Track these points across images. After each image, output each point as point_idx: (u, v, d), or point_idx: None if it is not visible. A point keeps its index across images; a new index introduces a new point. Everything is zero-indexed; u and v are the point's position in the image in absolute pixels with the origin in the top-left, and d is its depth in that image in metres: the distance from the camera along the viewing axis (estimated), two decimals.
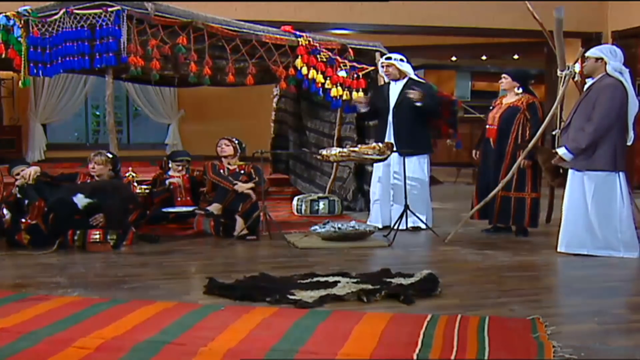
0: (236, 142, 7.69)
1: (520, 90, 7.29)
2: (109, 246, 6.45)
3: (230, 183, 7.37)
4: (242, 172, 7.58)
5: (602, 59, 6.15)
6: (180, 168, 7.78)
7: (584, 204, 6.20)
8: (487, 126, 7.41)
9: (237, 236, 7.00)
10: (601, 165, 6.13)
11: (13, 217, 6.70)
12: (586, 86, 6.36)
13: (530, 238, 7.24)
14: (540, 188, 7.29)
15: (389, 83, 7.68)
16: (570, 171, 6.34)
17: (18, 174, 6.77)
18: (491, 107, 7.51)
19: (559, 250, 6.31)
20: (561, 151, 6.27)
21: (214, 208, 7.21)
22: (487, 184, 7.30)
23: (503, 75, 7.44)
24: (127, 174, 7.72)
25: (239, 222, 7.12)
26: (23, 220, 6.59)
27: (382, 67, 7.68)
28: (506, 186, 7.08)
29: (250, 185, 7.38)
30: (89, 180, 6.98)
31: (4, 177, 7.13)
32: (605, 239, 6.19)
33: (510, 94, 7.33)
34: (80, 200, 6.40)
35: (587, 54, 6.33)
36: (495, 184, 7.07)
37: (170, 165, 7.84)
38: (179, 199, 7.62)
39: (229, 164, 7.62)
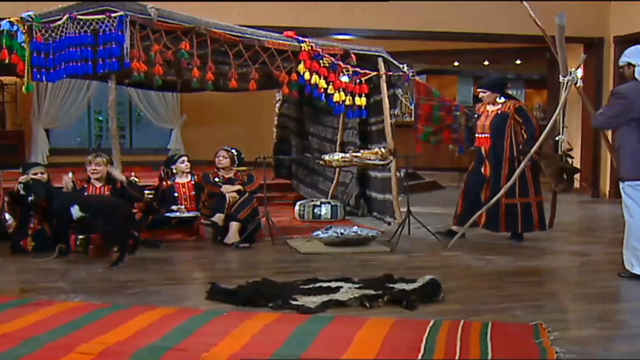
0: (234, 152, 7.75)
1: (503, 99, 7.30)
2: (112, 252, 6.44)
3: (217, 187, 7.49)
4: (238, 180, 7.62)
5: (630, 63, 5.73)
6: (185, 170, 7.78)
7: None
8: (477, 135, 7.38)
9: (229, 244, 7.00)
10: (625, 174, 5.74)
11: (20, 222, 6.75)
12: None
13: (533, 243, 7.23)
14: (541, 191, 7.30)
15: None
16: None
17: (35, 174, 6.86)
18: (476, 115, 7.48)
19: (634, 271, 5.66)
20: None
21: (218, 219, 7.22)
22: (477, 192, 7.30)
23: (481, 89, 7.42)
24: (130, 179, 7.71)
25: (233, 227, 7.13)
26: (31, 225, 6.64)
27: None
28: (510, 193, 7.07)
29: (236, 187, 7.42)
30: (85, 186, 6.99)
31: (2, 182, 7.14)
32: None
33: (494, 102, 7.33)
34: (76, 211, 6.39)
35: (619, 62, 5.91)
36: (496, 192, 7.06)
37: (174, 170, 7.81)
38: (183, 206, 7.63)
39: (224, 174, 7.67)
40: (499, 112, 7.24)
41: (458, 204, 7.51)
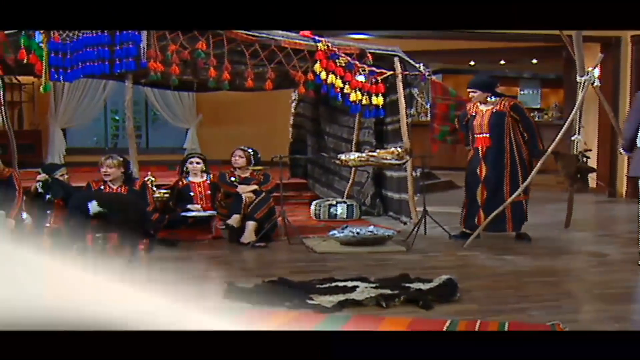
0: (251, 152, 7.77)
1: (493, 99, 7.25)
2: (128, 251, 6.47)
3: (233, 187, 7.51)
4: (254, 179, 7.64)
5: None
6: (196, 171, 7.82)
7: None
8: (475, 135, 7.28)
9: (246, 243, 7.01)
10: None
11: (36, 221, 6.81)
12: None
13: (549, 243, 7.21)
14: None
15: None
16: None
17: (62, 175, 6.93)
18: (469, 116, 7.38)
19: None
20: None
21: (234, 220, 7.21)
22: (475, 193, 7.25)
23: (471, 89, 7.35)
24: (145, 179, 7.75)
25: (249, 227, 7.14)
26: (47, 225, 6.68)
27: None
28: (514, 190, 7.00)
29: (252, 187, 7.44)
30: (102, 187, 7.04)
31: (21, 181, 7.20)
32: None
33: (484, 101, 7.29)
34: (93, 207, 6.42)
35: None
36: (495, 191, 7.04)
37: (186, 167, 7.86)
38: (199, 205, 7.66)
39: (241, 173, 7.69)
40: (495, 110, 7.16)
41: (464, 206, 7.49)
